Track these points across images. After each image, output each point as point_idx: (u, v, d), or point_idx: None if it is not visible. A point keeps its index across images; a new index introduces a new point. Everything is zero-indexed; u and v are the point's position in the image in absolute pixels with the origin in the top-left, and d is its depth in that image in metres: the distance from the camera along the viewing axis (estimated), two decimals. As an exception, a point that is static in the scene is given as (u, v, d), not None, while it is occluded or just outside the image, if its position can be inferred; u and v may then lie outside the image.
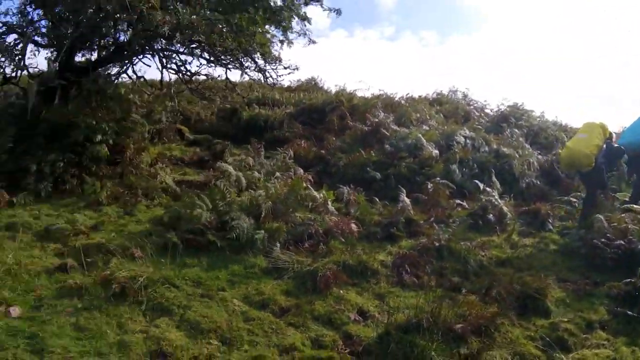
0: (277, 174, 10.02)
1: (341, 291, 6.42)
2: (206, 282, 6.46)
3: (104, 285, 6.06)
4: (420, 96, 17.85)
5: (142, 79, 13.41)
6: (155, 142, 12.11)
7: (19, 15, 10.70)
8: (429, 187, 9.93)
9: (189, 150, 12.24)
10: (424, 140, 11.68)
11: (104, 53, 12.32)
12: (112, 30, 11.48)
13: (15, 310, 5.58)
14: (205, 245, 7.31)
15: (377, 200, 9.63)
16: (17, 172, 9.41)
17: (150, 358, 4.98)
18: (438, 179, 10.25)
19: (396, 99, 16.03)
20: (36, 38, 11.13)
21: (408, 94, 17.24)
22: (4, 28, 10.49)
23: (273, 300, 6.15)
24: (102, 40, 12.10)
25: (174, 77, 13.77)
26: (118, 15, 10.39)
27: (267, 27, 12.21)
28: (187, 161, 11.59)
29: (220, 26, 10.38)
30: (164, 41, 11.88)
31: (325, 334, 5.58)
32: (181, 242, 7.23)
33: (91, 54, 12.30)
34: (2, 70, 10.72)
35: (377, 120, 13.04)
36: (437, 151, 11.47)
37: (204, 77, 13.94)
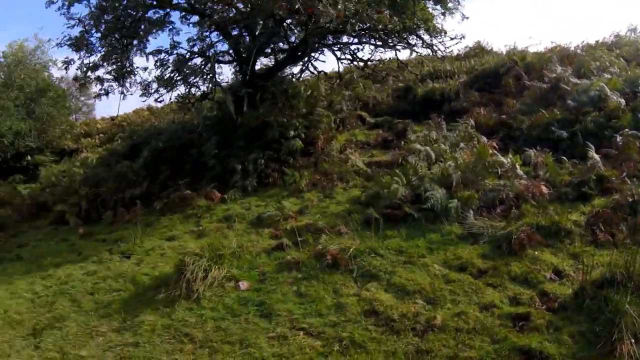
0: (462, 144, 10.11)
1: (536, 252, 6.55)
2: (407, 250, 7.04)
3: (317, 258, 7.03)
4: (597, 41, 16.22)
5: (322, 73, 14.25)
6: (341, 130, 12.85)
7: (199, 41, 12.12)
8: (619, 140, 9.23)
9: (372, 133, 12.75)
10: (608, 90, 10.72)
11: (280, 57, 13.45)
12: (286, 34, 12.47)
13: (243, 284, 6.82)
14: (402, 217, 7.90)
15: (565, 159, 9.20)
16: (224, 173, 11.04)
17: (364, 316, 5.74)
18: (627, 130, 9.37)
19: (571, 49, 14.85)
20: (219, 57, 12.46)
21: (583, 41, 15.91)
22: (188, 54, 11.99)
23: (471, 263, 6.52)
24: (280, 45, 13.26)
25: (349, 66, 14.38)
26: (290, 20, 11.34)
27: (424, 2, 12.33)
28: (372, 144, 12.09)
29: (383, 9, 10.75)
30: (332, 36, 12.60)
31: (522, 292, 5.83)
32: (381, 217, 7.87)
33: (276, 58, 13.44)
34: (198, 88, 12.42)
35: (554, 75, 12.37)
36: (622, 100, 10.42)
37: (376, 62, 14.39)
